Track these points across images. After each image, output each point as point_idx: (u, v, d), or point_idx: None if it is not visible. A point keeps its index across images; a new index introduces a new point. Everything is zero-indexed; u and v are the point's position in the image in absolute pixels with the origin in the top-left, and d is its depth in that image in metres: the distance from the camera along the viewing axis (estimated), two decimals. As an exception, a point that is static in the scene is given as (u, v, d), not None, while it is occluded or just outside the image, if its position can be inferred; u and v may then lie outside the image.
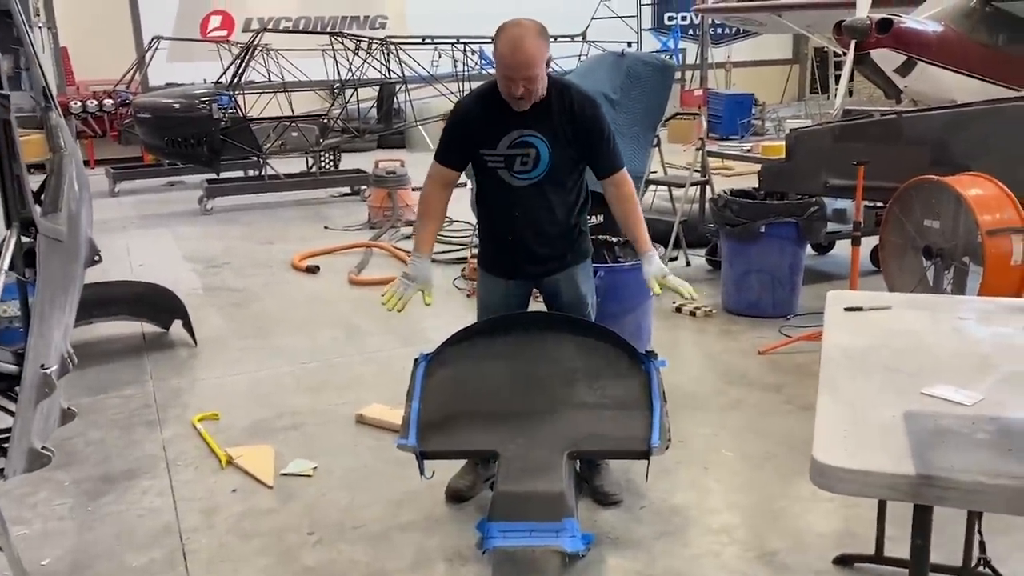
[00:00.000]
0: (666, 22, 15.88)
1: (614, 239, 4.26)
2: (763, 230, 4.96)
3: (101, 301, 4.92)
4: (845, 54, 9.45)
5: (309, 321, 5.34)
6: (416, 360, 3.04)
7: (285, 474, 3.38)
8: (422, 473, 2.79)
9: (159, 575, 2.74)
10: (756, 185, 5.68)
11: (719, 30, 16.31)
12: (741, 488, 3.21)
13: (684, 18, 15.89)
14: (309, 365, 4.59)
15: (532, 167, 2.91)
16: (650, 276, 2.95)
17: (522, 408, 2.89)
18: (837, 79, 16.65)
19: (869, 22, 8.61)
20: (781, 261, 5.05)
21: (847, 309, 2.34)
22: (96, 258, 2.62)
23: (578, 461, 2.93)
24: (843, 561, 2.68)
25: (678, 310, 5.24)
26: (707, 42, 15.50)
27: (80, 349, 4.92)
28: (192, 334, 4.94)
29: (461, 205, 5.67)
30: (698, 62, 14.47)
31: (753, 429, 3.67)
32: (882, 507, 2.59)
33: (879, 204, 5.53)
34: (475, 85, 10.39)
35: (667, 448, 2.71)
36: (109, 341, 5.01)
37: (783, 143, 5.84)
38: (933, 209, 4.70)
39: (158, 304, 5.01)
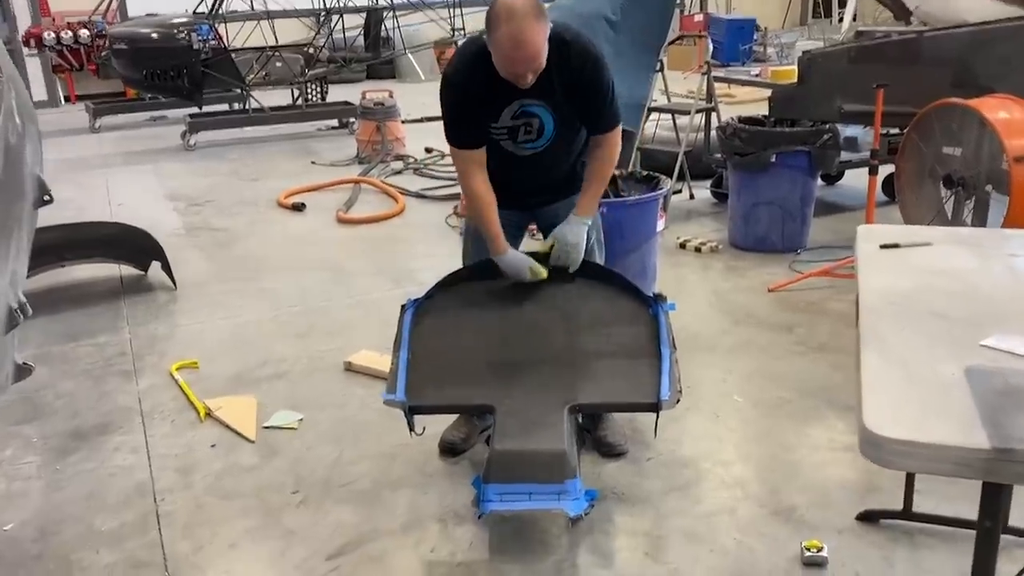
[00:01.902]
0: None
1: (616, 171, 3.97)
2: (773, 160, 4.68)
3: (73, 243, 4.67)
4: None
5: (295, 262, 5.08)
6: (403, 306, 2.80)
7: (268, 427, 3.17)
8: (411, 429, 2.57)
9: (130, 540, 2.54)
10: (765, 112, 5.38)
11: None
12: (755, 437, 3.01)
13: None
14: (294, 309, 4.35)
15: (537, 136, 2.72)
16: (553, 233, 2.80)
17: (519, 357, 2.66)
18: (841, 3, 16.17)
19: (878, -62, 8.20)
20: (792, 193, 4.78)
21: (883, 246, 2.09)
22: (46, 198, 2.35)
23: (580, 414, 2.72)
24: (868, 518, 2.48)
25: (682, 246, 4.99)
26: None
27: (54, 294, 4.73)
28: (171, 277, 4.69)
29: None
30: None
31: (764, 373, 3.46)
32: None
33: (893, 131, 5.24)
34: (466, 12, 9.89)
35: (678, 401, 2.49)
36: (85, 285, 4.76)
37: (793, 67, 5.52)
38: (955, 135, 4.42)
39: (135, 245, 4.74)
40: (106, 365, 3.78)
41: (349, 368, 3.60)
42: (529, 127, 2.68)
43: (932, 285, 1.83)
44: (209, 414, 3.25)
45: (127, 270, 4.86)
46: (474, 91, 2.64)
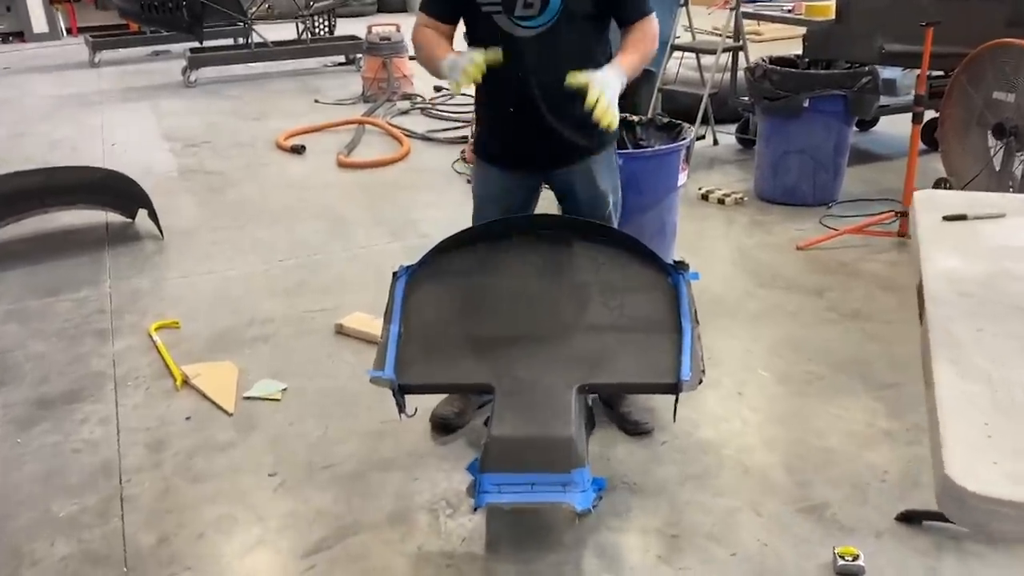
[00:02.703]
0: None
1: (634, 118, 3.62)
2: (806, 104, 4.30)
3: (56, 188, 4.40)
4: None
5: (291, 210, 4.78)
6: (395, 273, 2.50)
7: (249, 398, 2.91)
8: (401, 410, 2.29)
9: (89, 529, 2.31)
10: (797, 52, 4.97)
11: None
12: (782, 419, 2.72)
13: None
14: (287, 262, 4.07)
15: (539, 9, 2.28)
16: (594, 77, 2.21)
17: (522, 331, 2.37)
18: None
19: None
20: (825, 141, 4.40)
21: (947, 218, 1.76)
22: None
23: (590, 395, 2.45)
24: (909, 519, 2.20)
25: (704, 197, 4.65)
26: None
27: (35, 242, 4.46)
28: (158, 225, 4.41)
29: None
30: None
31: (792, 343, 3.16)
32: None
33: (936, 74, 4.83)
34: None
35: (700, 382, 2.20)
36: (69, 232, 4.49)
37: (830, 2, 5.08)
38: (1008, 79, 4.02)
39: (121, 191, 4.45)
40: (83, 323, 3.52)
41: (340, 331, 3.33)
42: None
43: (1013, 271, 1.52)
44: (186, 382, 3.00)
45: (114, 217, 4.58)
46: None
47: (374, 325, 3.30)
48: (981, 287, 1.46)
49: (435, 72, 2.38)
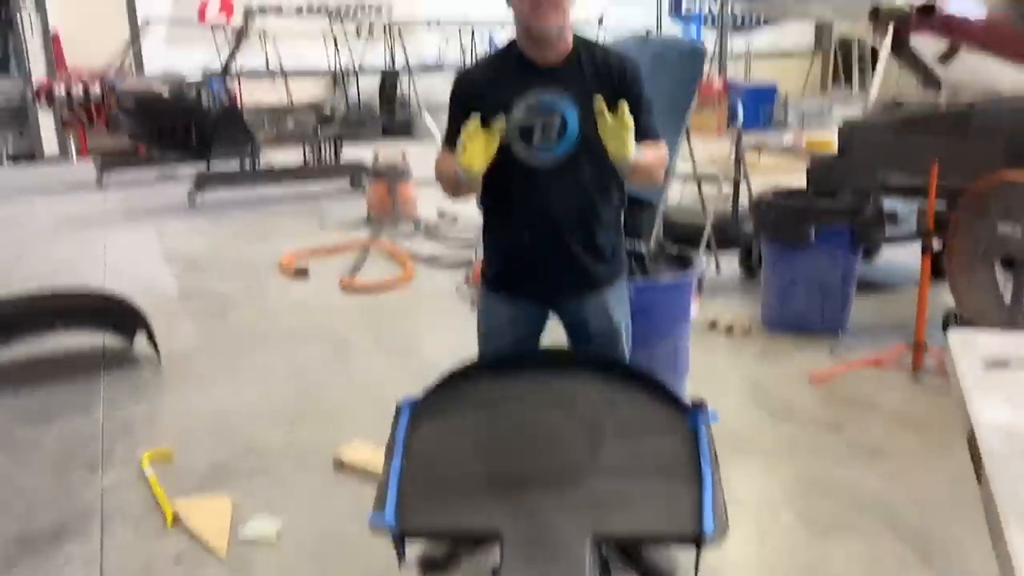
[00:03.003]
0: (683, 10, 15.20)
1: (643, 247, 3.60)
2: (812, 235, 4.30)
3: (54, 311, 4.34)
4: (882, 42, 8.82)
5: (292, 334, 4.71)
6: (398, 407, 2.40)
7: (242, 540, 2.75)
8: (401, 558, 2.13)
9: None
10: (793, 181, 5.03)
11: (740, 19, 15.62)
12: (808, 567, 2.56)
13: (700, 5, 15.22)
14: (287, 389, 3.97)
15: (557, 137, 2.26)
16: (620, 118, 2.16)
17: (533, 472, 2.24)
18: (862, 70, 16.00)
19: (909, 7, 7.97)
20: (832, 271, 4.38)
21: (989, 364, 1.69)
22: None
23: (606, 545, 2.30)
24: None
25: (712, 325, 4.59)
26: (727, 29, 14.85)
27: (29, 366, 4.35)
28: (157, 349, 4.32)
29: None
30: (717, 51, 13.85)
31: (814, 482, 3.03)
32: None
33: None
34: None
35: (725, 534, 2.06)
36: (64, 356, 4.39)
37: (829, 136, 5.18)
38: (1013, 212, 4.05)
39: (120, 314, 4.39)
40: (73, 453, 3.39)
41: (340, 464, 3.20)
42: (548, 126, 2.26)
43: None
44: (177, 519, 2.84)
45: (112, 340, 4.50)
46: (483, 77, 2.33)
47: (375, 457, 3.18)
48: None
49: (455, 183, 2.33)
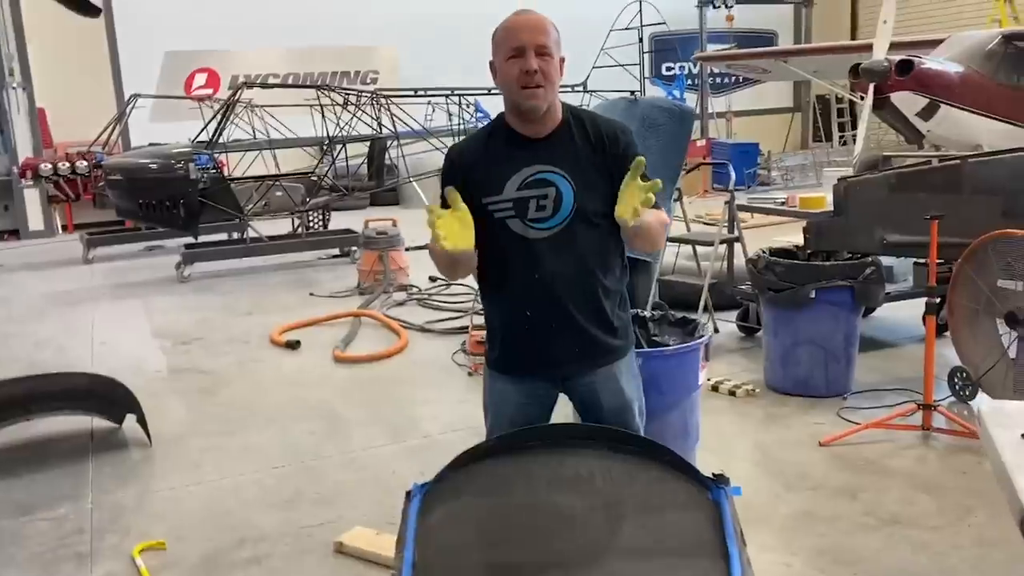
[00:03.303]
0: (664, 72, 15.48)
1: (645, 313, 3.55)
2: (813, 296, 4.26)
3: (40, 395, 4.21)
4: (863, 99, 8.95)
5: (285, 410, 4.59)
6: (409, 493, 2.28)
7: (240, 634, 2.61)
8: (417, 656, 2.01)
9: None
10: (796, 242, 5.01)
11: (719, 79, 15.92)
12: (838, 649, 2.45)
13: (682, 68, 15.51)
14: (281, 469, 3.84)
15: (552, 211, 2.23)
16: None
17: (552, 557, 2.13)
18: (840, 127, 16.29)
19: (888, 64, 8.12)
20: (835, 331, 4.33)
21: (1026, 436, 1.62)
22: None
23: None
24: None
25: (715, 388, 4.51)
26: (707, 91, 15.12)
27: (13, 452, 4.18)
28: (147, 431, 4.19)
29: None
30: (698, 112, 14.06)
31: (834, 555, 2.92)
32: None
33: (920, 261, 4.86)
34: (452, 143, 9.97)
35: (756, 619, 1.96)
36: (50, 441, 4.25)
37: (823, 195, 5.19)
38: (1012, 268, 4.03)
39: (108, 396, 4.26)
40: (60, 546, 3.24)
41: (340, 550, 3.06)
42: (543, 200, 2.22)
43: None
44: (171, 616, 2.70)
45: (100, 423, 4.36)
46: (474, 154, 2.28)
47: (376, 542, 3.06)
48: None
49: (450, 263, 2.26)
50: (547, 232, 2.25)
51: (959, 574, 2.75)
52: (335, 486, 3.64)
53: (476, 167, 2.26)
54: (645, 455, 2.30)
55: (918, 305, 4.13)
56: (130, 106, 10.24)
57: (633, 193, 2.10)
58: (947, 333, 4.32)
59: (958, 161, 4.52)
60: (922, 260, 4.73)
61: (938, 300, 4.19)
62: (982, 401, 1.84)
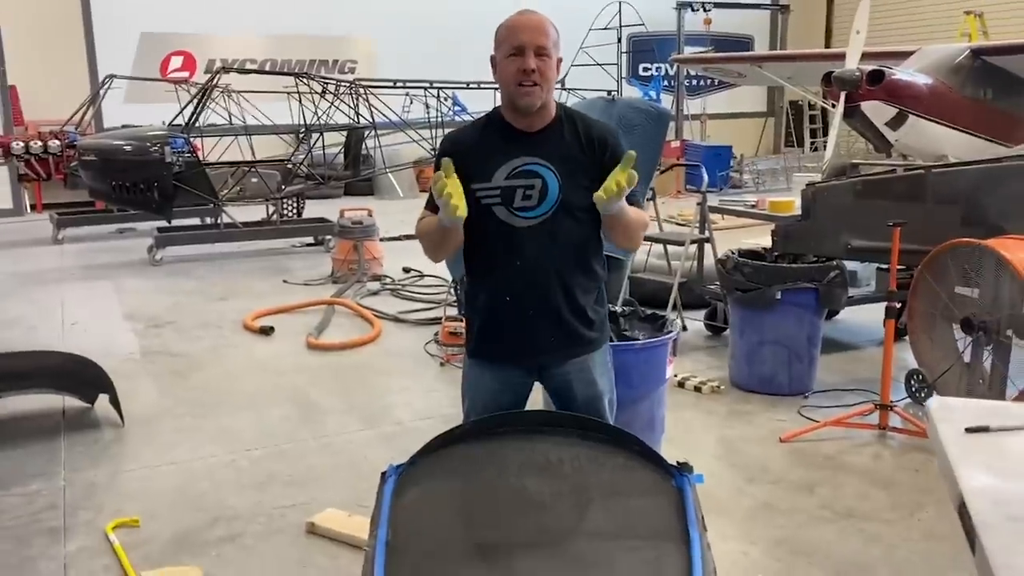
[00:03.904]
0: (641, 72, 15.62)
1: (617, 308, 3.64)
2: (779, 297, 4.39)
3: (11, 373, 4.21)
4: (834, 106, 9.14)
5: (258, 395, 4.63)
6: (384, 473, 2.36)
7: (213, 610, 2.67)
8: (389, 632, 2.08)
9: None
10: (764, 243, 5.14)
11: (695, 82, 16.09)
12: (790, 632, 2.56)
13: (659, 69, 15.65)
14: (254, 452, 3.89)
15: (538, 201, 2.33)
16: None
17: (521, 538, 2.21)
18: (812, 132, 16.55)
19: (860, 74, 8.30)
20: (799, 332, 4.46)
21: (969, 430, 1.73)
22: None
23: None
24: None
25: (681, 384, 4.63)
26: (683, 93, 15.29)
27: (-15, 430, 4.23)
28: (119, 411, 4.21)
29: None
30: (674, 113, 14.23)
31: (791, 545, 3.03)
32: None
33: (883, 266, 5.01)
34: (448, 131, 9.99)
35: (715, 600, 2.05)
36: (22, 419, 4.26)
37: (792, 199, 5.33)
38: (970, 276, 4.17)
39: (81, 376, 4.28)
40: (32, 521, 3.27)
41: (312, 531, 3.13)
42: (529, 190, 2.32)
43: (1056, 490, 1.47)
44: (144, 591, 2.75)
45: (71, 402, 4.38)
46: (469, 142, 2.38)
47: (348, 523, 3.12)
48: (1028, 510, 1.40)
49: (440, 238, 2.34)
50: (531, 221, 2.35)
51: (909, 565, 2.88)
52: (308, 469, 3.70)
53: (469, 154, 2.35)
54: (613, 443, 2.40)
55: (879, 309, 4.27)
56: (105, 87, 10.15)
57: (616, 175, 2.20)
58: (906, 337, 4.46)
59: (922, 171, 4.67)
60: (884, 265, 4.90)
61: (898, 305, 4.33)
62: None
